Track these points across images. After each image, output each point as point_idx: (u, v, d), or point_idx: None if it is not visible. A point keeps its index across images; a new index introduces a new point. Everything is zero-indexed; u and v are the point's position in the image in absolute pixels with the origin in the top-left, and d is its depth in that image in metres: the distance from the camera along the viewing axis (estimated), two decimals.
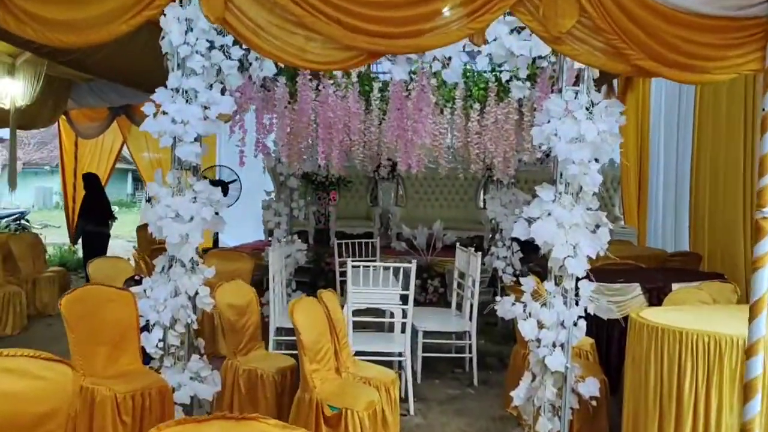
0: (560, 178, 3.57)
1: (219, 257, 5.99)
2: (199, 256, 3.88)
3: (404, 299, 4.72)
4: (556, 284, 3.62)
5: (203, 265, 3.85)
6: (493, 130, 4.88)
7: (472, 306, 5.19)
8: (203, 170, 11.15)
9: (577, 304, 3.59)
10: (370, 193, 11.03)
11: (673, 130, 8.55)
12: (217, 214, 3.91)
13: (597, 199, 3.59)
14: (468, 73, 4.77)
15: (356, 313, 4.75)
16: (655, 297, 4.62)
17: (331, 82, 4.66)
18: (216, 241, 10.54)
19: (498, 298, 6.17)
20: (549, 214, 3.54)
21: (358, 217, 10.66)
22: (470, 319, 5.23)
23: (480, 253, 5.12)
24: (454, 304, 5.85)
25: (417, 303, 8.53)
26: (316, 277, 8.95)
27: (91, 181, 10.05)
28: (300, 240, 6.66)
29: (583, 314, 3.60)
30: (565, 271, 3.56)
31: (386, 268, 4.82)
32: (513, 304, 3.73)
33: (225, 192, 10.54)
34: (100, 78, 8.43)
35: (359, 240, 6.83)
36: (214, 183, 10.77)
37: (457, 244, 5.78)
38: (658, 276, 5.11)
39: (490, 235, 10.04)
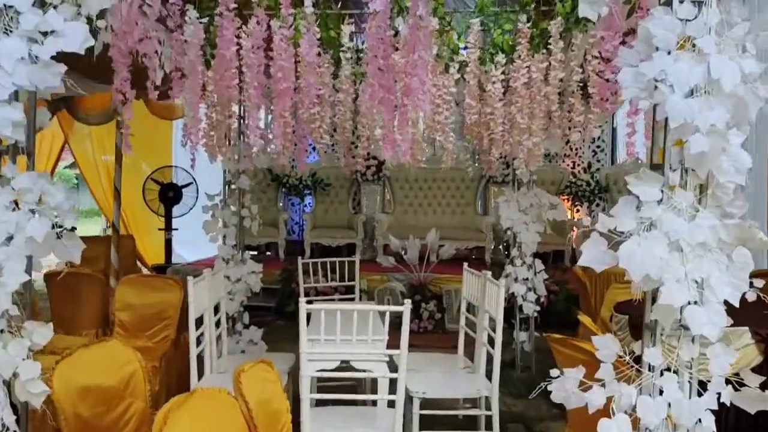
0: (672, 161, 1.98)
1: (136, 286, 4.36)
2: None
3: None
4: (666, 351, 2.02)
5: (36, 326, 2.16)
6: (524, 100, 3.28)
7: (490, 357, 3.59)
8: (153, 171, 9.57)
9: (704, 389, 2.00)
10: (351, 198, 9.43)
11: None
12: (72, 230, 2.30)
13: (744, 198, 1.97)
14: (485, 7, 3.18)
15: (320, 378, 3.17)
16: None
17: (269, 15, 2.96)
18: (169, 257, 8.89)
19: (522, 338, 4.57)
20: (651, 227, 1.94)
21: (338, 226, 9.05)
22: (488, 376, 3.63)
23: (503, 281, 3.51)
24: (461, 348, 4.24)
25: (410, 332, 6.95)
26: (284, 300, 7.34)
27: None
28: (253, 259, 5.03)
29: (715, 406, 2.01)
30: (681, 332, 1.97)
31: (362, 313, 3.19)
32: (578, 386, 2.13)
33: (178, 198, 8.91)
34: None
35: (331, 259, 5.20)
36: (167, 187, 9.17)
37: (465, 265, 4.17)
38: None
39: (493, 246, 8.56)
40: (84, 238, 2.26)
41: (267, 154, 4.74)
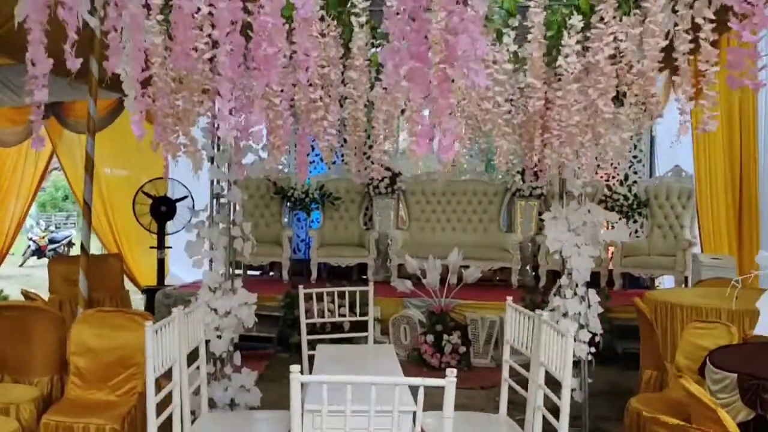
0: None
1: (95, 324, 3.52)
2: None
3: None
4: None
5: None
6: (607, 80, 2.40)
7: (548, 425, 2.71)
8: (144, 183, 8.76)
9: None
10: (363, 213, 8.58)
11: None
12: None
13: None
14: None
15: None
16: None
17: None
18: (161, 278, 8.06)
19: (572, 386, 3.72)
20: None
21: (348, 243, 8.20)
22: None
23: (564, 324, 2.64)
24: (503, 406, 3.34)
25: (429, 368, 6.12)
26: (287, 329, 6.48)
27: None
28: (248, 285, 4.17)
29: None
30: None
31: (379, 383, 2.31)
32: None
33: (172, 213, 8.09)
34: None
35: (339, 289, 4.34)
36: (159, 201, 8.36)
37: (509, 300, 3.30)
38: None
39: (519, 267, 7.67)
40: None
41: (262, 161, 3.90)
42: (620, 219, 3.91)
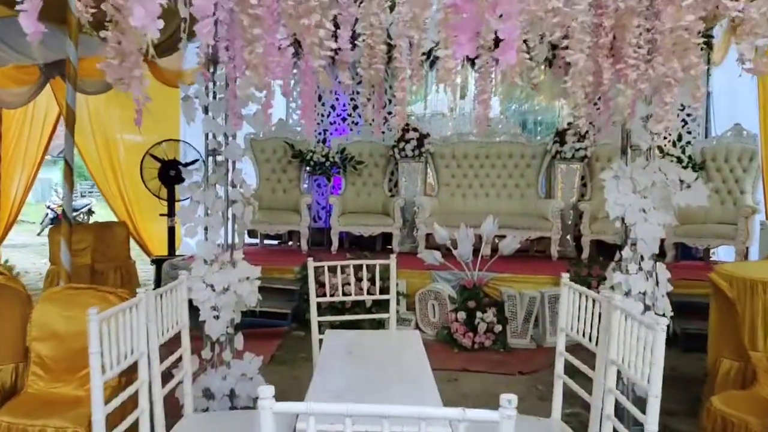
0: None
1: (63, 303, 2.94)
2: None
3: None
4: None
5: None
6: None
7: None
8: (152, 146, 8.18)
9: None
10: (387, 179, 7.91)
11: None
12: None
13: None
14: None
15: None
16: None
17: None
18: (172, 247, 7.51)
19: None
20: None
21: (372, 211, 7.56)
22: None
23: (612, 296, 1.98)
24: (557, 409, 2.67)
25: (460, 348, 5.49)
26: (303, 304, 5.88)
27: None
28: (246, 260, 3.55)
29: None
30: None
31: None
32: None
33: (182, 178, 7.49)
34: None
35: (355, 262, 3.72)
36: (168, 165, 7.78)
37: (564, 277, 2.62)
38: None
39: (559, 236, 6.95)
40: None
41: (259, 112, 3.25)
42: (698, 178, 3.18)
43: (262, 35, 2.21)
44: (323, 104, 8.27)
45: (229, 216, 3.55)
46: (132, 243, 8.08)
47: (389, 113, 8.10)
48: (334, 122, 8.29)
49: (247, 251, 7.30)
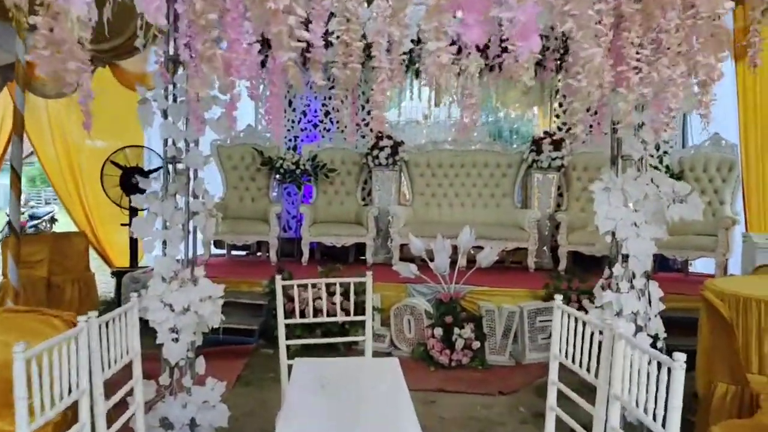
0: None
1: (1, 328, 2.61)
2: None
3: None
4: None
5: None
6: None
7: None
8: (113, 153, 7.80)
9: None
10: (361, 187, 7.66)
11: None
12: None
13: None
14: None
15: None
16: None
17: None
18: (135, 258, 7.15)
19: None
20: None
21: (344, 221, 7.30)
22: None
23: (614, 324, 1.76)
24: None
25: (437, 366, 5.24)
26: (272, 321, 5.59)
27: None
28: (206, 276, 3.26)
29: None
30: None
31: None
32: None
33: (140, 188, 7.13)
34: None
35: (328, 280, 3.46)
36: (130, 172, 7.41)
37: (558, 300, 2.40)
38: None
39: (536, 247, 6.75)
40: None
41: (223, 116, 2.98)
42: (692, 191, 3.00)
43: (222, 24, 1.96)
44: (294, 110, 7.99)
45: (190, 229, 3.28)
46: (93, 254, 7.71)
47: (363, 120, 7.88)
48: (306, 128, 8.02)
49: (213, 262, 7.09)
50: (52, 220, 15.86)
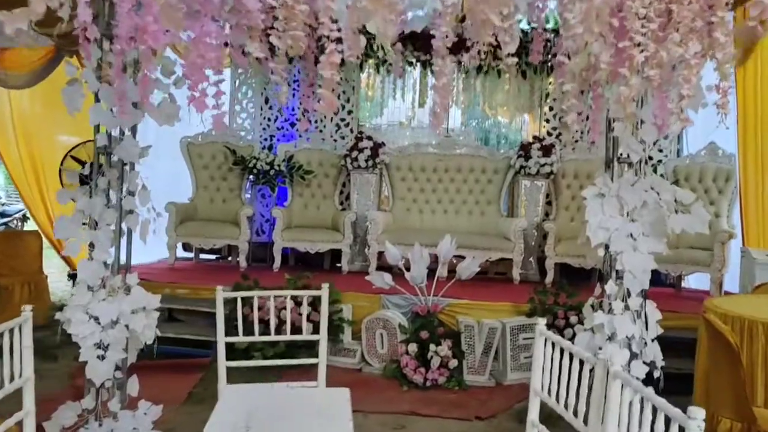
0: None
1: None
2: None
3: None
4: None
5: None
6: None
7: None
8: (74, 147, 7.35)
9: None
10: (338, 191, 7.25)
11: None
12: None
13: None
14: None
15: None
16: None
17: None
18: None
19: None
20: None
21: (320, 226, 6.88)
22: None
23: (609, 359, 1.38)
24: None
25: (410, 386, 4.84)
26: (232, 332, 5.15)
27: None
28: (140, 284, 2.85)
29: None
30: None
31: None
32: None
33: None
34: None
35: (278, 293, 3.05)
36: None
37: (540, 325, 1.99)
38: None
39: (522, 258, 6.37)
40: None
41: (166, 101, 2.58)
42: (697, 199, 2.63)
43: None
44: (270, 107, 7.58)
45: (124, 230, 2.87)
46: (55, 255, 7.26)
47: (342, 120, 7.49)
48: (282, 127, 7.61)
49: (178, 266, 6.64)
50: (24, 218, 15.34)
